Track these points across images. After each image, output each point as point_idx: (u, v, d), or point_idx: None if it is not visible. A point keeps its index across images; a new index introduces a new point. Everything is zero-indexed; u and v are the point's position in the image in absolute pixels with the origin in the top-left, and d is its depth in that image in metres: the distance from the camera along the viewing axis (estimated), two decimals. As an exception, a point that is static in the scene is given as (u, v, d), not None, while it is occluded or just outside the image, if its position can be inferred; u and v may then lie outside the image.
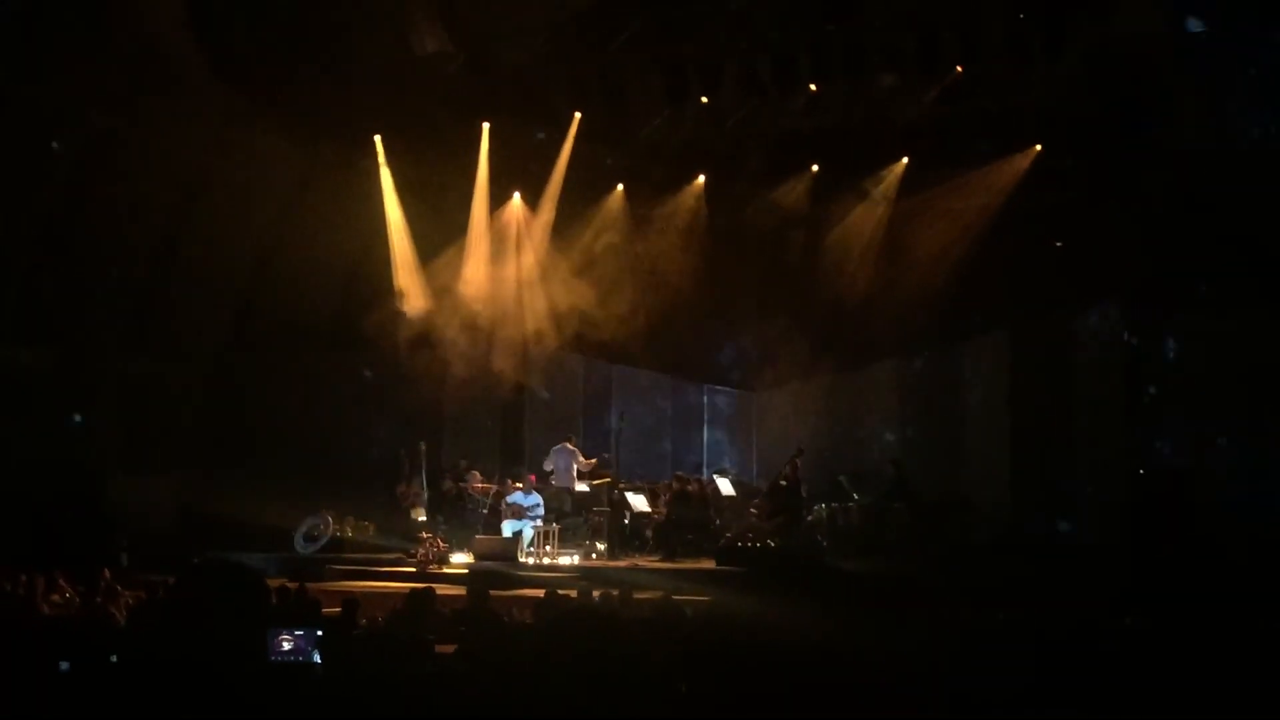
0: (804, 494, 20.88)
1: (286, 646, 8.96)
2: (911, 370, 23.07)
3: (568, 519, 20.72)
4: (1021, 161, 21.47)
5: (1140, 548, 18.16)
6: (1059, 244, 20.97)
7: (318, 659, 9.01)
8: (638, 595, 13.57)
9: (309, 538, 20.69)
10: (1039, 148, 21.28)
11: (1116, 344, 20.22)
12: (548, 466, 21.53)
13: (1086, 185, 20.19)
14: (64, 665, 9.75)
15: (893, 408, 22.93)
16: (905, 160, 22.48)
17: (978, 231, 21.92)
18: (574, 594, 14.30)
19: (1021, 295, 21.16)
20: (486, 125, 22.52)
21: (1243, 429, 18.61)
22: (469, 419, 23.72)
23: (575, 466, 21.37)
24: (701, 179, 23.36)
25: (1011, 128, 21.13)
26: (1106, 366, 20.33)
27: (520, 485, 21.07)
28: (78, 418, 21.00)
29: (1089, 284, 20.33)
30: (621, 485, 21.45)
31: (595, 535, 20.64)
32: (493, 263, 23.69)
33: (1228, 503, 18.26)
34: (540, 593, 14.73)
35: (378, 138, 22.64)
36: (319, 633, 9.03)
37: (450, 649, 10.33)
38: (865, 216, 22.99)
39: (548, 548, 19.92)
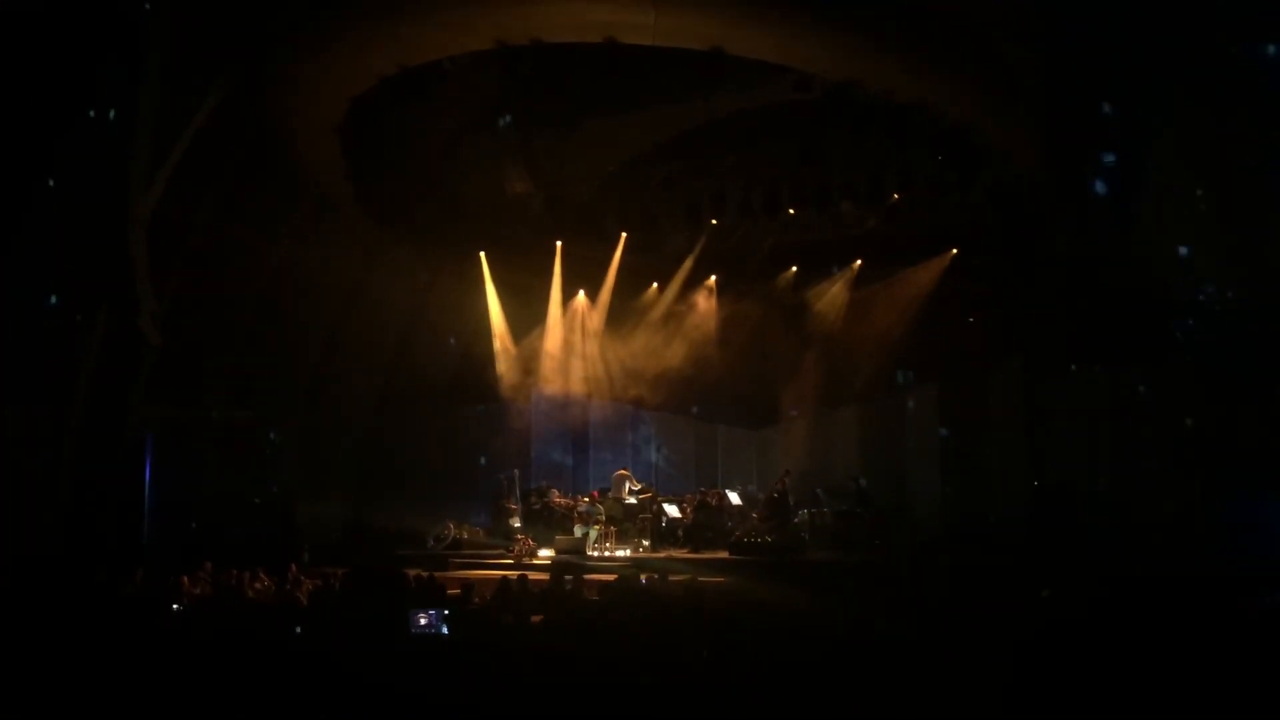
0: (791, 503, 20.74)
1: (423, 622, 8.97)
2: (868, 413, 22.95)
3: (622, 524, 20.64)
4: (943, 261, 21.51)
5: (1040, 541, 17.97)
6: (971, 319, 20.93)
7: (445, 631, 8.99)
8: (672, 578, 13.50)
9: (437, 539, 20.69)
10: (955, 251, 21.32)
11: (1018, 391, 20.08)
12: (612, 492, 21.42)
13: (991, 277, 20.15)
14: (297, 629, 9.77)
15: (854, 440, 22.81)
16: (859, 262, 22.55)
17: (913, 311, 21.94)
18: (627, 577, 14.25)
19: (946, 357, 21.08)
20: (559, 243, 22.71)
21: (1112, 454, 18.46)
22: (549, 454, 23.71)
23: (627, 487, 21.30)
24: (713, 278, 23.47)
25: (935, 238, 21.16)
26: (1011, 408, 20.17)
27: (587, 500, 21.04)
28: (272, 456, 21.17)
29: (996, 347, 20.24)
30: (660, 498, 21.38)
31: (641, 534, 20.54)
32: (565, 341, 23.82)
33: (1102, 508, 18.04)
34: (604, 577, 14.76)
35: (482, 254, 22.87)
36: (445, 611, 9.03)
37: (539, 619, 10.33)
38: (831, 303, 23.01)
39: (607, 544, 19.85)
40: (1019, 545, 18.24)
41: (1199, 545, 15.73)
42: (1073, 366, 19.36)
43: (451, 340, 24.21)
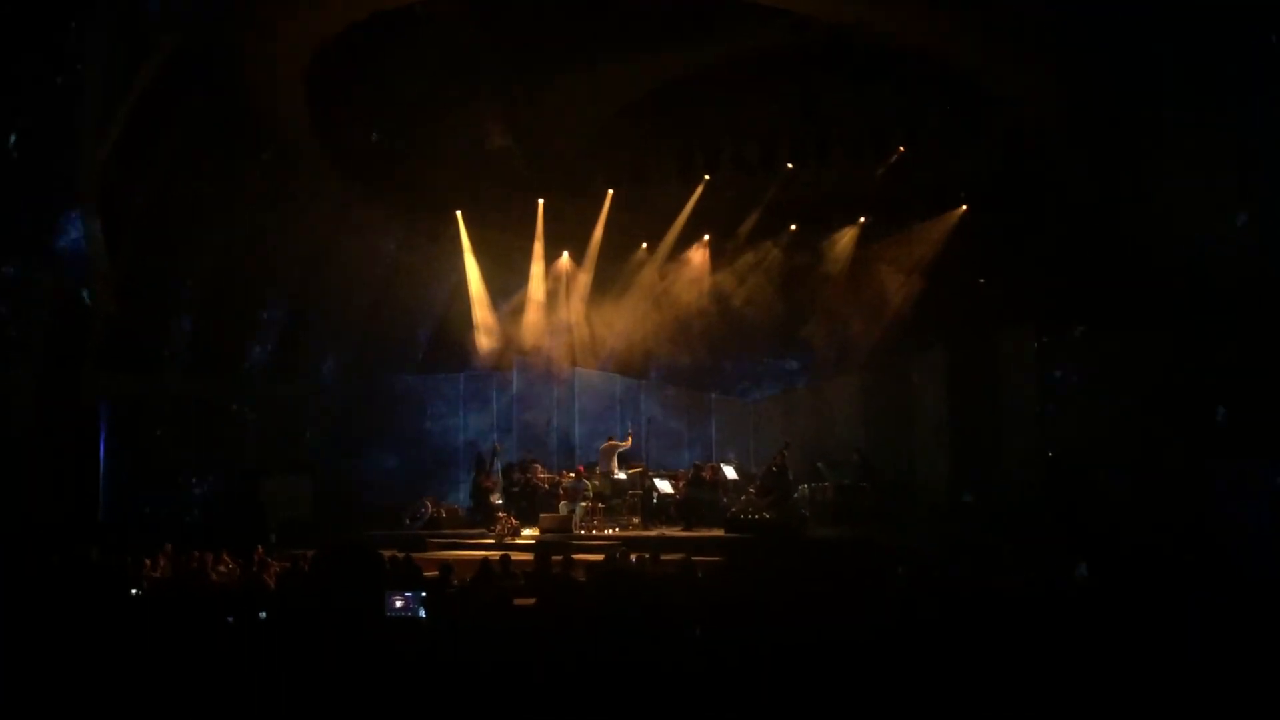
0: (790, 477, 20.78)
1: (399, 605, 8.97)
2: (872, 381, 22.96)
3: (610, 500, 20.66)
4: (951, 219, 21.47)
5: (1054, 514, 17.98)
6: (982, 280, 20.91)
7: (423, 614, 9.01)
8: (664, 557, 13.54)
9: (413, 518, 20.70)
10: (965, 208, 21.28)
11: (1030, 357, 20.06)
12: (600, 467, 21.39)
13: (1002, 236, 20.12)
14: (229, 619, 9.81)
15: (858, 410, 22.82)
16: (862, 220, 22.51)
17: (919, 273, 21.95)
18: (617, 556, 14.30)
19: (955, 321, 21.08)
20: (541, 201, 22.63)
21: (1123, 422, 18.48)
22: (532, 426, 23.72)
23: (616, 459, 21.28)
24: (707, 237, 23.44)
25: (944, 193, 21.12)
26: (1022, 375, 20.18)
27: (573, 475, 21.03)
28: (235, 430, 21.16)
29: (1006, 311, 20.24)
30: (650, 473, 21.41)
31: (631, 511, 20.56)
32: (547, 305, 23.81)
33: (1116, 479, 18.07)
34: (592, 557, 14.79)
35: (459, 212, 22.78)
36: (423, 594, 9.04)
37: (525, 602, 10.36)
38: (834, 264, 23.00)
39: (595, 522, 19.88)
40: (1032, 519, 18.29)
41: (1213, 519, 15.82)
42: (1085, 331, 19.36)
43: (427, 305, 24.18)
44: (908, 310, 22.14)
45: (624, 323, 23.53)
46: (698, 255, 23.58)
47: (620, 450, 21.25)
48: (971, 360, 20.76)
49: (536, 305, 23.67)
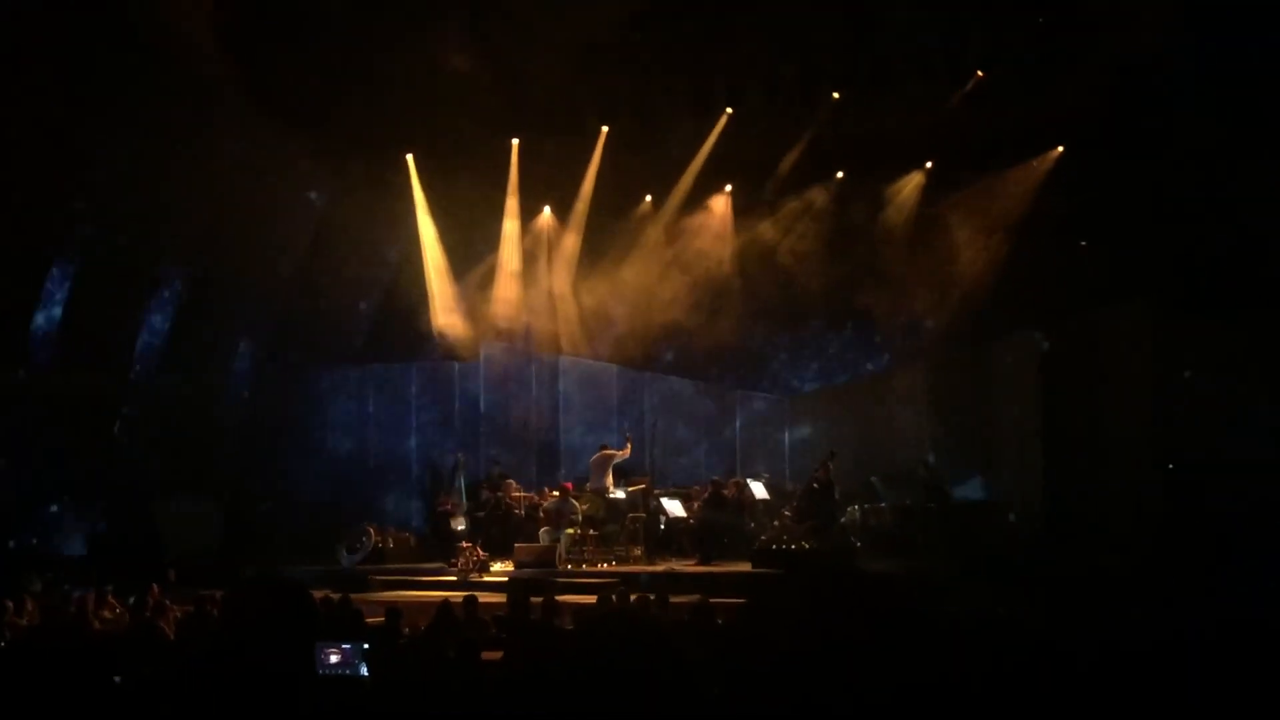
0: (837, 496, 20.82)
1: (334, 660, 8.97)
2: (942, 371, 23.00)
3: (605, 525, 20.71)
4: (1043, 166, 21.50)
5: (1173, 547, 17.99)
6: (1083, 244, 20.93)
7: (364, 672, 9.03)
8: (674, 599, 13.57)
9: (352, 550, 20.78)
10: (1060, 150, 21.29)
11: (1144, 342, 20.07)
12: (591, 483, 21.41)
13: (1109, 188, 20.13)
14: (116, 679, 9.84)
15: (923, 410, 22.86)
16: (928, 166, 22.53)
17: (1002, 234, 21.98)
18: (613, 598, 14.36)
19: (1049, 295, 21.10)
20: (516, 141, 22.65)
21: (1264, 427, 18.48)
22: (505, 431, 23.77)
23: (612, 473, 21.30)
24: (729, 188, 23.47)
25: (1033, 131, 21.11)
26: (1133, 365, 20.20)
27: (556, 493, 21.08)
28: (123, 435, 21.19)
29: (1114, 283, 20.25)
30: (657, 491, 21.47)
31: (632, 540, 20.61)
32: (525, 274, 23.86)
33: (1250, 501, 18.08)
34: (581, 599, 14.84)
35: (409, 156, 22.81)
36: (365, 646, 9.06)
37: (494, 656, 10.40)
38: (891, 222, 23.02)
39: (586, 553, 19.93)
40: (1146, 547, 18.33)
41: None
42: (1216, 310, 19.37)
43: (368, 274, 24.22)
44: (987, 282, 22.17)
45: (622, 297, 23.58)
46: (717, 210, 23.63)
47: (617, 461, 21.31)
48: (1069, 346, 20.80)
49: (510, 275, 23.72)
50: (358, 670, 8.96)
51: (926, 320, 23.32)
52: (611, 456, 21.35)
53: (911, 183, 22.96)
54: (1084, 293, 20.55)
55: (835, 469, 20.90)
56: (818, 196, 23.33)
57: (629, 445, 21.74)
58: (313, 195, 22.94)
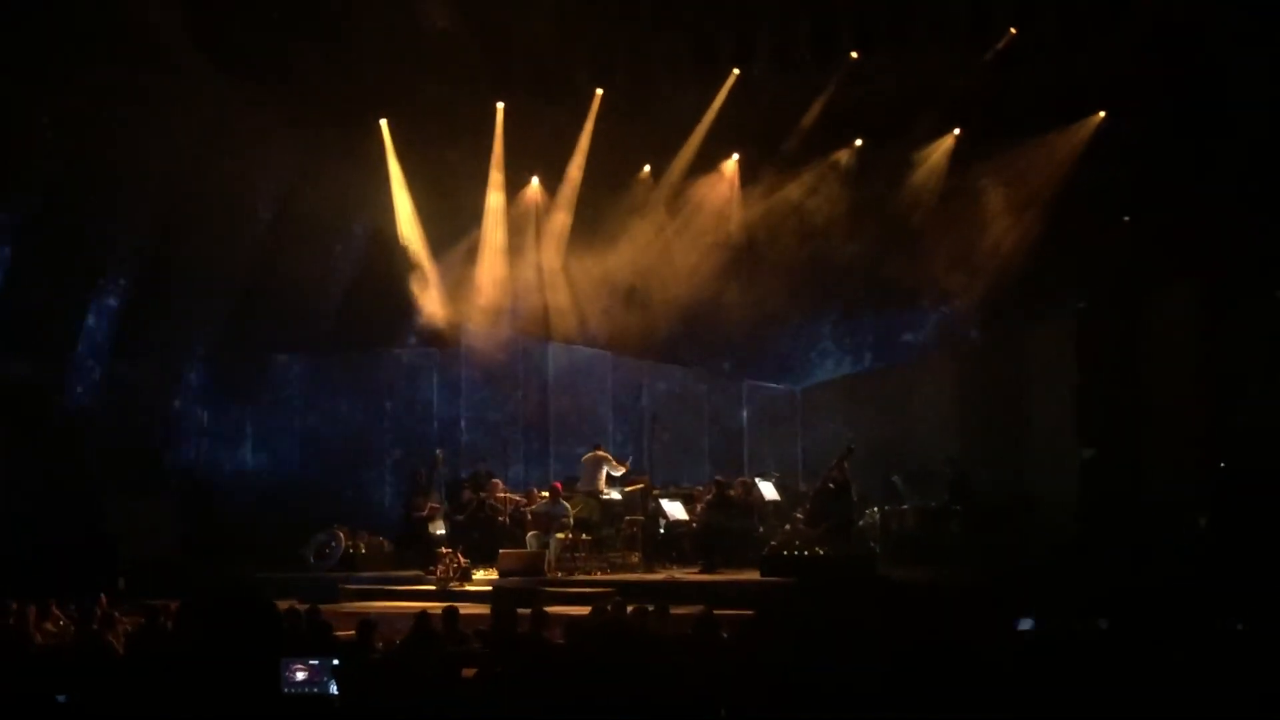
0: (855, 497, 20.82)
1: (300, 677, 8.97)
2: (970, 357, 23.01)
3: (600, 529, 20.72)
4: (1083, 131, 21.49)
5: (1227, 552, 17.99)
6: (1126, 219, 20.93)
7: (334, 690, 9.04)
8: (674, 610, 13.60)
9: (320, 555, 20.80)
10: (1102, 115, 21.29)
11: (1193, 325, 20.06)
12: (583, 484, 21.42)
13: (1156, 156, 20.12)
14: (61, 698, 9.87)
15: (950, 401, 22.88)
16: (956, 133, 22.53)
17: (1036, 208, 21.98)
18: (608, 609, 14.39)
19: (1087, 276, 21.11)
20: (501, 105, 22.63)
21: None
22: (488, 426, 23.77)
23: (606, 473, 21.31)
24: (735, 158, 23.47)
25: (1072, 94, 21.10)
26: (1181, 350, 20.19)
27: (546, 494, 21.09)
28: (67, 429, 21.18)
29: (1160, 263, 20.25)
30: (656, 491, 21.47)
31: (629, 546, 20.63)
32: (511, 252, 23.85)
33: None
34: (573, 610, 14.86)
35: (384, 122, 22.79)
36: (335, 661, 9.06)
37: (476, 673, 10.42)
38: (915, 195, 23.02)
39: (578, 559, 19.93)
40: (1198, 555, 18.34)
41: None
42: (1270, 294, 19.38)
43: (337, 253, 24.22)
44: (1021, 260, 22.18)
45: (618, 277, 23.58)
46: (723, 182, 23.64)
47: (611, 470, 21.33)
48: (1112, 329, 20.81)
49: (494, 253, 23.73)
50: (326, 688, 8.98)
51: (954, 302, 23.35)
52: (606, 459, 21.37)
53: (938, 151, 22.95)
54: (1127, 273, 20.56)
55: (852, 468, 20.91)
56: (834, 167, 23.31)
57: (627, 463, 21.70)
58: (276, 166, 22.88)
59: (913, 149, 23.06)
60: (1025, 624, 11.28)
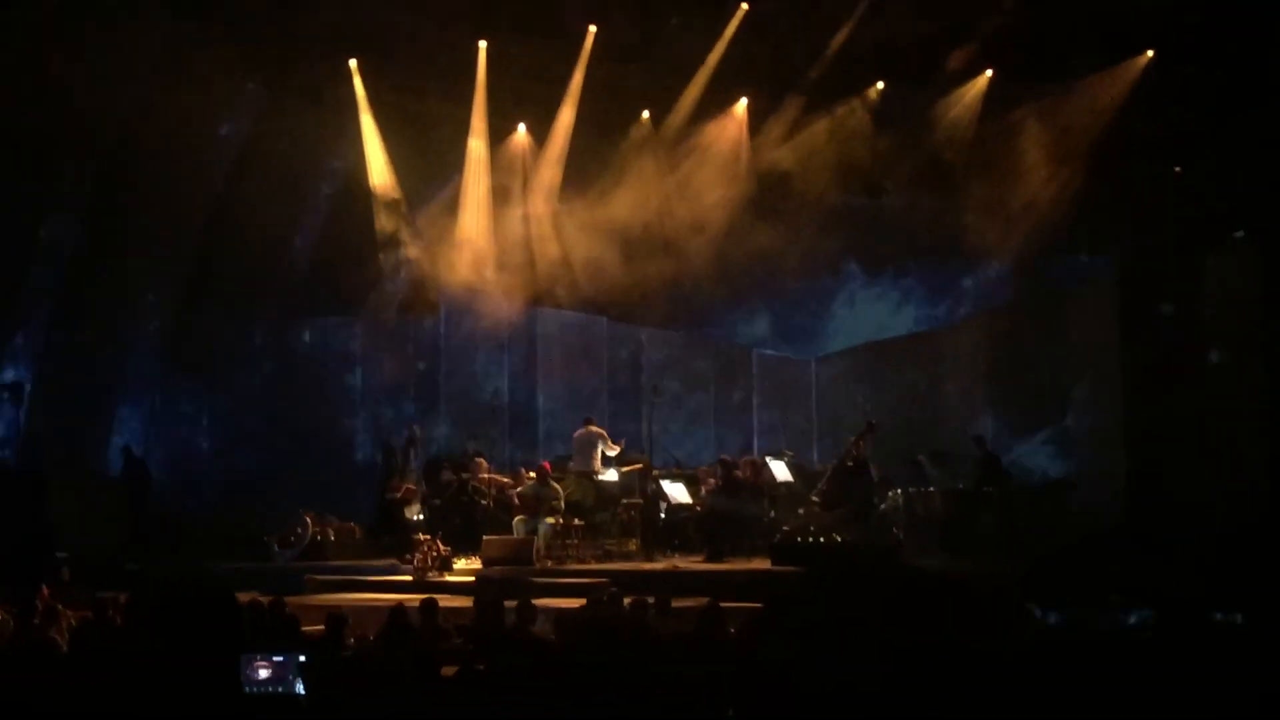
0: (875, 478, 20.87)
1: (263, 675, 9.00)
2: (1003, 323, 23.03)
3: (594, 514, 20.77)
4: (1129, 72, 21.46)
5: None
6: (1177, 170, 20.93)
7: (301, 689, 9.07)
8: (676, 603, 13.65)
9: (285, 543, 20.85)
10: (1150, 55, 21.26)
11: (1252, 284, 20.05)
12: (575, 463, 21.45)
13: (1209, 100, 20.10)
14: (-1, 700, 9.91)
15: (980, 372, 22.90)
16: (989, 74, 22.50)
17: (1077, 158, 21.95)
18: (604, 600, 14.43)
19: (1132, 233, 21.12)
20: (483, 44, 22.59)
21: None
22: (471, 400, 23.80)
23: (601, 452, 21.36)
24: (744, 102, 23.45)
25: (1117, 32, 21.06)
26: (1240, 311, 20.19)
27: (534, 475, 21.13)
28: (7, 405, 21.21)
29: (1214, 215, 20.25)
30: (656, 472, 21.51)
31: (626, 532, 20.69)
32: (495, 207, 23.82)
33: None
34: (564, 602, 14.91)
35: (353, 62, 22.74)
36: (301, 658, 9.10)
37: (453, 671, 10.46)
38: (942, 144, 23.00)
39: (570, 546, 19.99)
40: (1256, 541, 18.38)
41: None
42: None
43: (302, 208, 24.20)
44: (1061, 215, 22.16)
45: (613, 234, 23.56)
46: (729, 130, 23.62)
47: (605, 450, 21.37)
48: (1160, 289, 20.83)
49: (476, 208, 23.71)
50: (292, 687, 9.01)
51: (986, 261, 23.31)
52: (600, 435, 21.39)
53: (968, 95, 22.89)
54: (1177, 226, 20.57)
55: (871, 445, 20.95)
56: (853, 112, 23.28)
57: (621, 443, 21.73)
58: (248, 112, 22.83)
59: (939, 94, 23.01)
60: (1052, 617, 11.29)
